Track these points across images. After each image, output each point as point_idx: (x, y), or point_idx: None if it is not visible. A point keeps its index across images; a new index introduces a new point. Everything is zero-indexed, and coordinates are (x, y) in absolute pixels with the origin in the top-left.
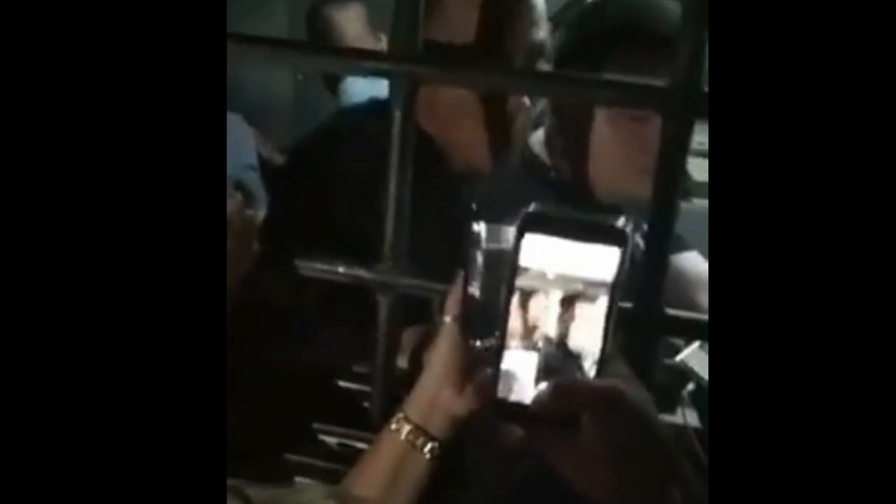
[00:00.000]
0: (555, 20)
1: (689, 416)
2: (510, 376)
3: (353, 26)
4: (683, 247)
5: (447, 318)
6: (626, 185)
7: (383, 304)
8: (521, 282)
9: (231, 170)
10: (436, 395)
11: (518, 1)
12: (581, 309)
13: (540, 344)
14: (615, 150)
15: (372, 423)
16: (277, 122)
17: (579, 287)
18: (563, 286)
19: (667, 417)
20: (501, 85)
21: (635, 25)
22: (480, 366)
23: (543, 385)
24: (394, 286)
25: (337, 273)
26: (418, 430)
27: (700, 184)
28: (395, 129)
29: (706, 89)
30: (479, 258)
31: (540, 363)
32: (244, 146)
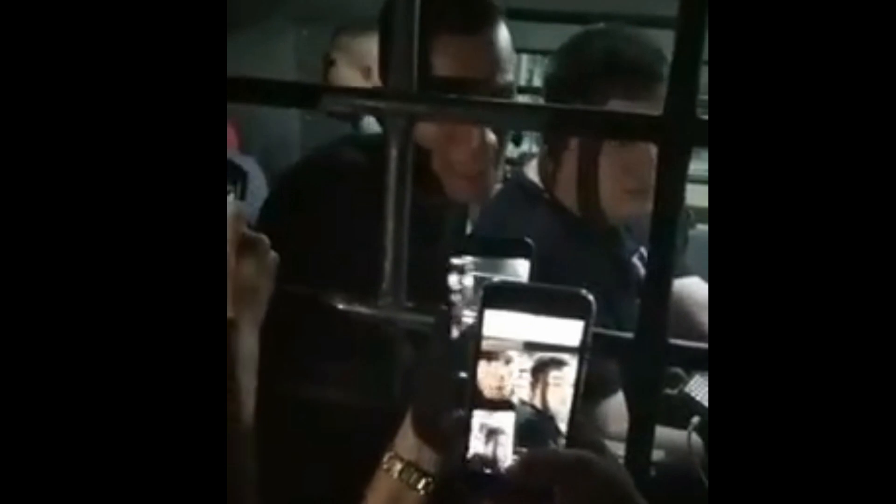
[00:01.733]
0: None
1: (695, 448)
2: (480, 446)
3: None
4: (685, 272)
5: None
6: (615, 207)
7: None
8: (487, 349)
9: (249, 210)
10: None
11: (485, 51)
12: (553, 374)
13: (508, 412)
14: (603, 174)
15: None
16: (286, 163)
17: (546, 354)
18: (530, 353)
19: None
20: (498, 120)
21: (621, 57)
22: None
23: (513, 457)
24: (394, 321)
25: (336, 309)
26: (410, 466)
27: (700, 209)
28: (392, 166)
29: (703, 117)
30: (465, 287)
31: (513, 430)
32: (259, 189)
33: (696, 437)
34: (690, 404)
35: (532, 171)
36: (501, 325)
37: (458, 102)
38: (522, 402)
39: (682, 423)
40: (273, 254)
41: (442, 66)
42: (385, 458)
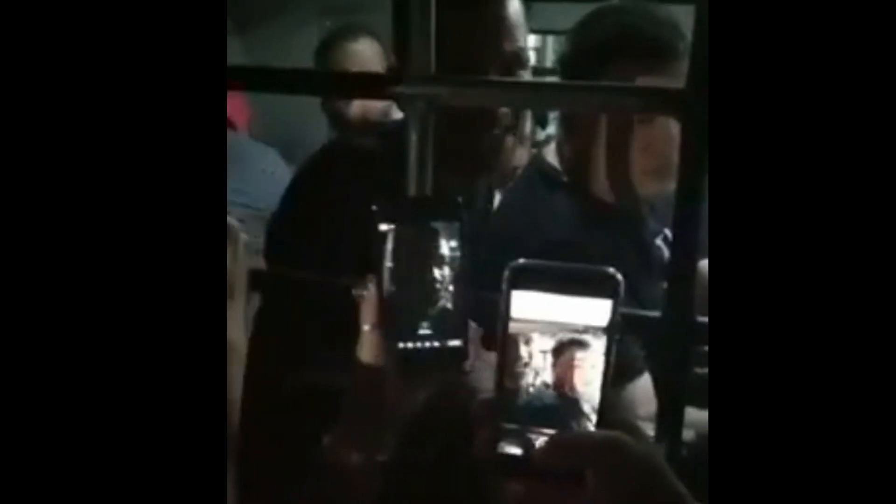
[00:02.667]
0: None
1: None
2: (507, 428)
3: (367, 59)
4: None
5: (365, 328)
6: (635, 188)
7: None
8: (513, 330)
9: (271, 201)
10: (368, 409)
11: (492, 14)
12: (577, 356)
13: (537, 393)
14: (621, 154)
15: None
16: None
17: (573, 334)
18: (557, 334)
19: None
20: (517, 100)
21: (634, 34)
22: (410, 369)
23: (543, 439)
24: None
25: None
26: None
27: None
28: (413, 150)
29: None
30: (389, 258)
31: (538, 413)
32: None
33: None
34: None
35: (551, 155)
36: (528, 305)
37: (477, 84)
38: (547, 385)
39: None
40: (244, 237)
41: (449, 33)
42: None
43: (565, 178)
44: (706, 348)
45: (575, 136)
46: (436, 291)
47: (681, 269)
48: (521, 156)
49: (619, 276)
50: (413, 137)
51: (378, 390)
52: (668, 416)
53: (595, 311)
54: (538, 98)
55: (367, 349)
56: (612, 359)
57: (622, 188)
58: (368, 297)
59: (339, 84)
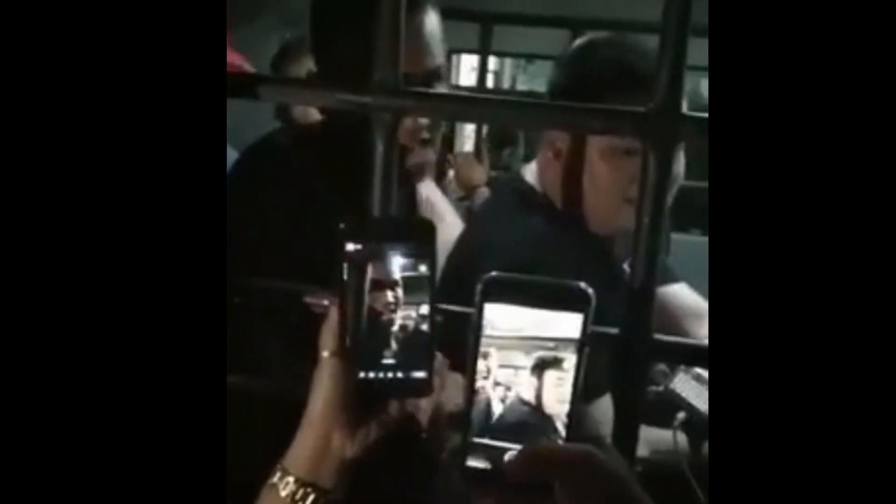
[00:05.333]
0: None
1: (681, 445)
2: (477, 442)
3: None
4: (673, 279)
5: (324, 354)
6: (614, 217)
7: None
8: (484, 344)
9: None
10: (321, 441)
11: (412, 29)
12: (548, 370)
13: (508, 407)
14: (605, 183)
15: None
16: None
17: (544, 350)
18: (529, 349)
19: (661, 446)
20: (484, 116)
21: (626, 65)
22: (371, 400)
23: (514, 452)
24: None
25: (322, 306)
26: (305, 486)
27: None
28: (378, 163)
29: (687, 112)
30: (353, 280)
31: (508, 428)
32: None
33: (680, 434)
34: (675, 400)
35: (530, 174)
36: (500, 319)
37: (444, 98)
38: (521, 401)
39: (667, 420)
40: None
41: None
42: (274, 479)
43: (543, 199)
44: (661, 367)
45: (561, 161)
46: (402, 318)
47: (639, 284)
48: (481, 174)
49: (591, 291)
50: (379, 149)
51: (333, 418)
52: (624, 432)
53: (566, 325)
54: (502, 114)
55: (327, 376)
56: (582, 374)
57: (602, 215)
58: (329, 321)
59: (303, 92)
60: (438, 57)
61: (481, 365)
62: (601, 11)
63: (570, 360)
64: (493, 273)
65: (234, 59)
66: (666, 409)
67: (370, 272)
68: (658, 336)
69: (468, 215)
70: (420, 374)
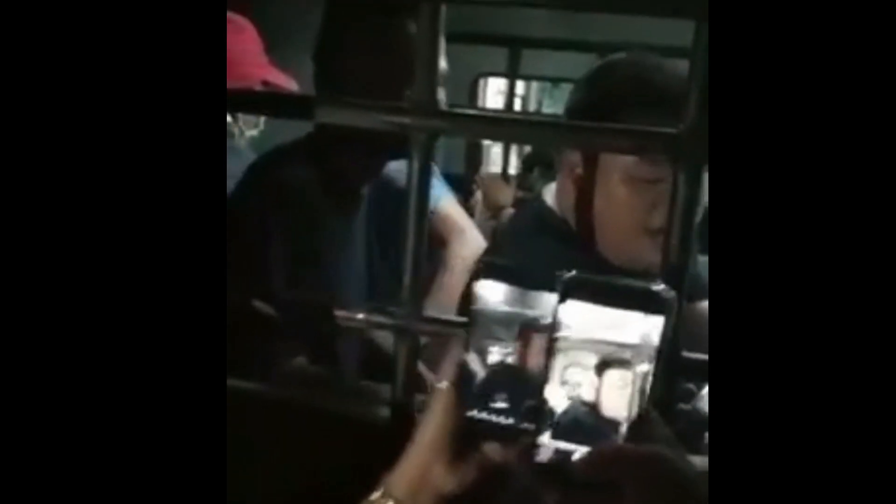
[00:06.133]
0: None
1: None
2: (545, 443)
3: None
4: (705, 294)
5: (442, 385)
6: (633, 246)
7: (402, 348)
8: (560, 345)
9: None
10: (425, 469)
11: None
12: (618, 374)
13: (577, 408)
14: (625, 209)
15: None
16: None
17: (618, 352)
18: (602, 351)
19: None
20: (517, 135)
21: (646, 84)
22: (477, 439)
23: (585, 450)
24: (411, 330)
25: (355, 319)
26: None
27: None
28: (413, 181)
29: None
30: (484, 322)
31: (577, 427)
32: None
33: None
34: (703, 418)
35: (550, 196)
36: (577, 318)
37: (479, 119)
38: (584, 403)
39: (694, 443)
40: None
41: (359, 49)
42: (377, 495)
43: (563, 223)
44: (689, 386)
45: (582, 186)
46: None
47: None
48: (507, 195)
49: (672, 294)
50: (416, 167)
51: (438, 449)
52: None
53: (642, 329)
54: (536, 134)
55: (440, 406)
56: (659, 378)
57: (620, 243)
58: (453, 354)
59: (342, 111)
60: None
61: (551, 364)
62: (628, 35)
63: (643, 364)
64: (573, 272)
65: (279, 79)
66: (693, 429)
67: (498, 314)
68: (688, 354)
69: (493, 234)
70: (528, 426)
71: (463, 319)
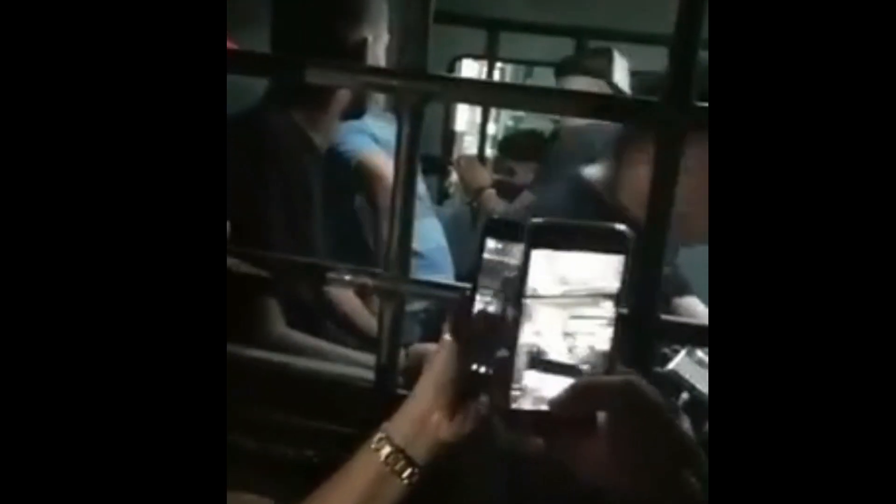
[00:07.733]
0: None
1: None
2: (522, 386)
3: None
4: (689, 292)
5: (447, 336)
6: (704, 224)
7: (388, 310)
8: (530, 293)
9: None
10: (424, 417)
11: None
12: (590, 317)
13: (550, 353)
14: (703, 192)
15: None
16: None
17: (587, 296)
18: (571, 295)
19: None
20: (507, 100)
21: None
22: (475, 391)
23: (560, 389)
24: (397, 292)
25: (342, 280)
26: (399, 452)
27: None
28: (403, 145)
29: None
30: (489, 276)
31: (551, 371)
32: None
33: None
34: (678, 381)
35: (591, 172)
36: (545, 265)
37: (468, 83)
38: (563, 343)
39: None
40: None
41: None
42: (374, 439)
43: (606, 200)
44: (664, 350)
45: (624, 170)
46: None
47: (646, 266)
48: (484, 177)
49: (630, 232)
50: (406, 130)
51: (438, 398)
52: None
53: (608, 268)
54: (524, 99)
55: (443, 357)
56: (620, 317)
57: (695, 224)
58: (460, 307)
59: (331, 73)
60: (362, 32)
61: (525, 311)
62: (606, 21)
63: (608, 304)
64: (538, 219)
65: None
66: (668, 390)
67: (499, 266)
68: (664, 316)
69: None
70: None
71: (449, 283)
